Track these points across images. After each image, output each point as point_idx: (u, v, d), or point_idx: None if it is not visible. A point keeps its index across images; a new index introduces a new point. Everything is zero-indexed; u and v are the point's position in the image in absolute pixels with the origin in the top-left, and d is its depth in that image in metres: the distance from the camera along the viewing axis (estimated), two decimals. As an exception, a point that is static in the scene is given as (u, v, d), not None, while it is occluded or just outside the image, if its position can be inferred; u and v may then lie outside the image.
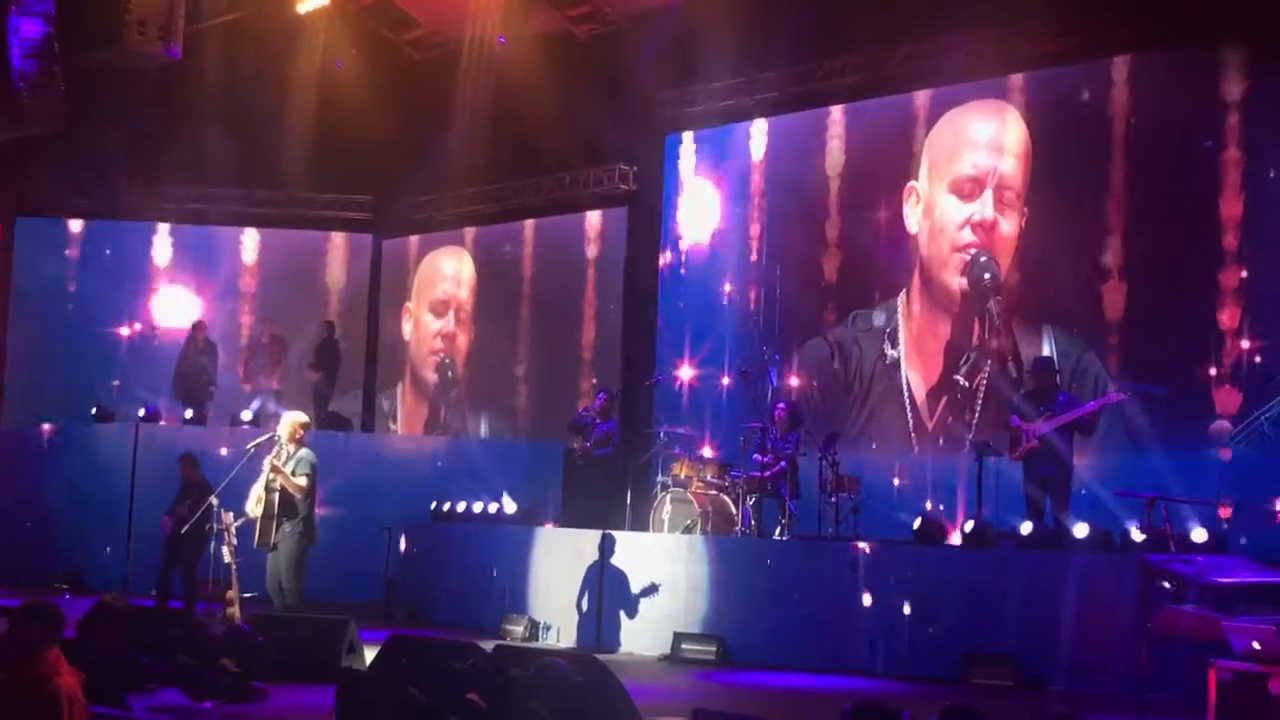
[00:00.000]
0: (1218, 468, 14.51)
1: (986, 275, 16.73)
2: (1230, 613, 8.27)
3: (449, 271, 23.71)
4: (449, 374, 23.28)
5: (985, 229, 16.79)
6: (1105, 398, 14.01)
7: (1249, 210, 14.73)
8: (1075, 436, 13.66)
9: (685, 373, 19.25)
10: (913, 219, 17.54)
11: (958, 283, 16.99)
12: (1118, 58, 15.98)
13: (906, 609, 12.85)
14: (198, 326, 21.29)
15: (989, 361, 16.60)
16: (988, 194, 16.80)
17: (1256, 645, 7.69)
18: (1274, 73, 14.53)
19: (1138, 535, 12.12)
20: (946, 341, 17.14)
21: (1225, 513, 11.13)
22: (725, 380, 18.74)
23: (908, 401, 17.40)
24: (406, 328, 24.11)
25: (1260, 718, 7.56)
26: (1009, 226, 16.63)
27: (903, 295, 17.65)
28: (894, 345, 17.64)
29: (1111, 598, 11.50)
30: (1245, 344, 14.62)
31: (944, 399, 17.07)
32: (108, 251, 24.05)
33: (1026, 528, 13.05)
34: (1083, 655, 11.69)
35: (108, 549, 18.77)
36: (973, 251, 16.84)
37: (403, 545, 17.70)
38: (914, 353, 17.51)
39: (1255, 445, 14.39)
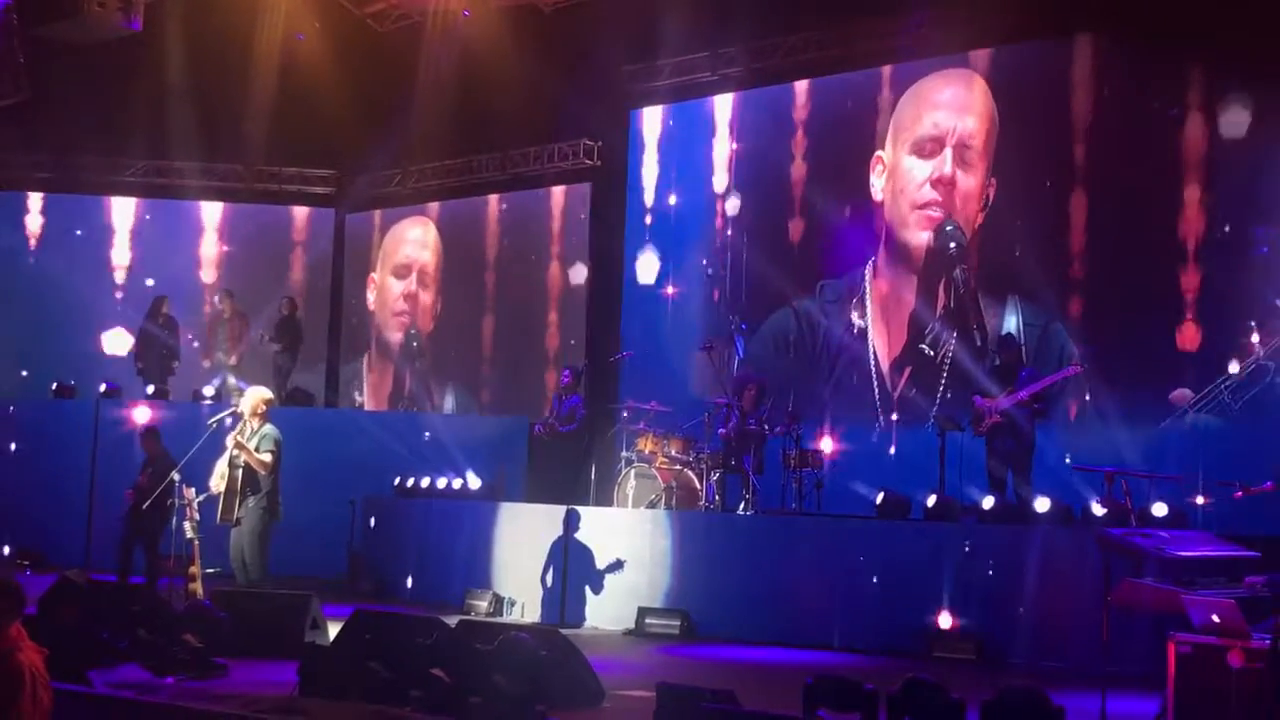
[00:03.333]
0: (1179, 437, 14.61)
1: (953, 244, 16.78)
2: (1190, 586, 8.31)
3: (414, 236, 23.67)
4: (414, 344, 23.23)
5: (945, 184, 16.86)
6: (1063, 371, 14.10)
7: (1212, 181, 14.81)
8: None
9: (650, 348, 19.22)
10: (878, 187, 17.59)
11: (920, 239, 17.04)
12: (1082, 33, 16.04)
13: (869, 583, 12.91)
14: (159, 301, 21.14)
15: (954, 332, 16.65)
16: (947, 151, 16.89)
17: (1215, 618, 7.74)
18: (1235, 46, 14.57)
19: (1098, 509, 12.20)
20: (911, 311, 17.20)
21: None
22: (691, 355, 18.71)
23: (874, 370, 17.46)
24: (370, 297, 24.04)
25: (1219, 690, 7.61)
26: (969, 184, 16.68)
27: (870, 264, 17.69)
28: (861, 314, 17.67)
29: (1072, 572, 11.59)
30: (1207, 313, 14.72)
31: (908, 369, 17.13)
32: (68, 225, 23.85)
33: (989, 502, 13.12)
34: (1044, 629, 11.78)
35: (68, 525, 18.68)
36: (940, 218, 16.89)
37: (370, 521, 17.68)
38: (880, 321, 17.56)
39: (1216, 414, 14.50)
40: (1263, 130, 14.50)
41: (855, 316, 17.72)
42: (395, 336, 23.48)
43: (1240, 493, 11.00)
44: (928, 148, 17.11)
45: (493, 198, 22.64)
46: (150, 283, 22.05)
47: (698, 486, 15.06)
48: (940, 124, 17.06)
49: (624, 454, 15.98)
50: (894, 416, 17.16)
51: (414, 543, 16.80)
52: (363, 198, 24.26)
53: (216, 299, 22.23)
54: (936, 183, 16.94)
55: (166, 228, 24.02)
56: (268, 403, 13.16)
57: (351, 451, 18.66)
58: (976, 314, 16.53)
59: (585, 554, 14.49)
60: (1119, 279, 15.47)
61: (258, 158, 23.67)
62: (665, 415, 16.20)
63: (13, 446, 19.98)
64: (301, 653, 9.95)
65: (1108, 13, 15.78)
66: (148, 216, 23.99)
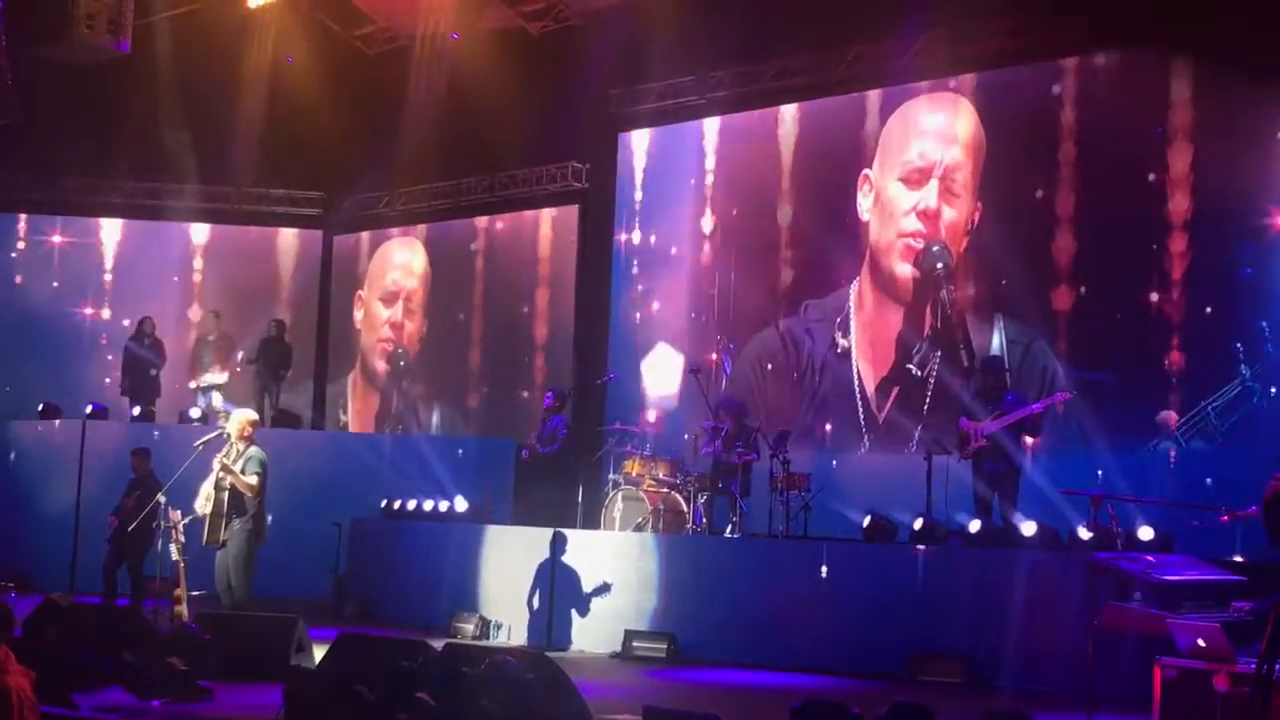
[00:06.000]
0: (1164, 460, 14.64)
1: (939, 264, 16.82)
2: (1176, 610, 8.35)
3: (400, 261, 23.71)
4: (401, 363, 23.23)
5: (930, 218, 16.94)
6: (1051, 398, 14.10)
7: (1197, 201, 14.86)
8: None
9: (637, 370, 19.23)
10: (864, 207, 17.64)
11: (904, 270, 17.11)
12: (1067, 58, 16.13)
13: (856, 606, 12.90)
14: (144, 322, 21.11)
15: (939, 352, 16.67)
16: (933, 183, 16.94)
17: (1201, 642, 7.76)
18: (1220, 68, 14.66)
19: (1085, 533, 12.20)
20: (898, 331, 17.23)
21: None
22: (678, 377, 18.73)
23: (858, 391, 17.46)
24: (358, 315, 24.04)
25: (1204, 714, 7.63)
26: (954, 215, 16.74)
27: (855, 284, 17.72)
28: (845, 334, 17.69)
29: (1059, 596, 11.58)
30: (1193, 335, 14.76)
31: (895, 389, 17.13)
32: (55, 246, 23.84)
33: (975, 526, 13.11)
34: (1031, 652, 11.77)
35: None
36: (925, 242, 16.95)
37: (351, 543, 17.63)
38: (865, 342, 17.58)
39: (1202, 437, 14.52)
40: (1248, 150, 14.56)
41: (839, 336, 17.73)
42: (380, 366, 23.47)
43: (1226, 516, 11.03)
44: (914, 178, 17.15)
45: (480, 219, 22.67)
46: (136, 295, 22.06)
47: (685, 509, 15.05)
48: (927, 155, 17.09)
49: (611, 477, 15.97)
50: (880, 437, 17.16)
51: (400, 565, 16.77)
52: (351, 219, 24.27)
53: (200, 319, 22.23)
54: (922, 215, 16.99)
55: (154, 249, 24.00)
56: (253, 424, 13.15)
57: (338, 473, 18.64)
58: (964, 334, 16.56)
59: (572, 577, 14.47)
60: (1105, 299, 15.51)
61: (246, 179, 23.68)
62: (652, 438, 16.19)
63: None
64: (287, 676, 9.90)
65: (1092, 34, 15.86)
66: (135, 237, 23.97)
